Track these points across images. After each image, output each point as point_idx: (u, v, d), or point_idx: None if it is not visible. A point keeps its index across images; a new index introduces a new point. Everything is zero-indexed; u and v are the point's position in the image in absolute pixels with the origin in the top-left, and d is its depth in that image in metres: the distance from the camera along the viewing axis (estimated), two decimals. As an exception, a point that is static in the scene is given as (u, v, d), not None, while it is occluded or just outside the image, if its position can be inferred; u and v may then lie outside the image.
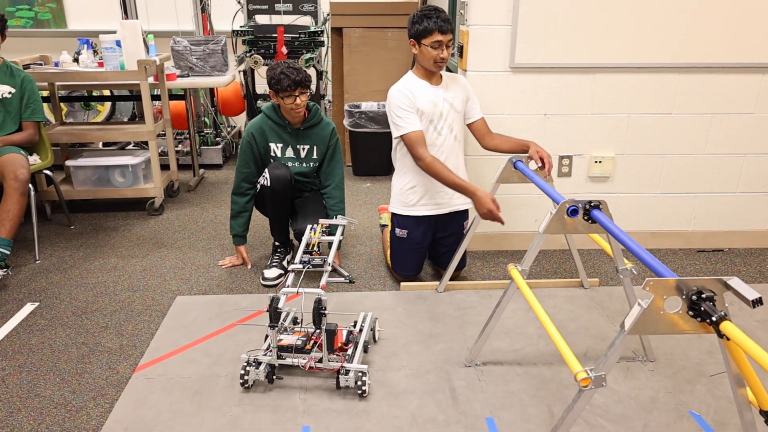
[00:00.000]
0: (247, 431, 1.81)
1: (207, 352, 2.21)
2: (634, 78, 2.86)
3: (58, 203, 3.57)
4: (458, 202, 2.66)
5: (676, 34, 2.79)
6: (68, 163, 3.58)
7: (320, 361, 1.97)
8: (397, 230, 2.70)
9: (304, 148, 2.80)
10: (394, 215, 2.70)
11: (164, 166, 4.01)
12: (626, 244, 1.52)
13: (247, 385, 1.98)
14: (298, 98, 2.61)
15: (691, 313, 1.28)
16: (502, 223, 2.31)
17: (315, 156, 2.83)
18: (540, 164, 2.37)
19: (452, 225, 2.70)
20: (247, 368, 1.98)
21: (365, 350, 2.13)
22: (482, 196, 2.32)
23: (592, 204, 1.73)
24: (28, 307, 2.55)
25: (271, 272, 2.76)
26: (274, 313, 1.94)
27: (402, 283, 2.70)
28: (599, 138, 2.96)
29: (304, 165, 2.83)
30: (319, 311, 1.93)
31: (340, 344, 2.07)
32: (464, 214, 2.72)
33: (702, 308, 1.26)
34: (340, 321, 2.37)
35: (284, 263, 2.85)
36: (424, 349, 2.23)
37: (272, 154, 2.78)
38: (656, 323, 1.30)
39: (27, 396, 1.98)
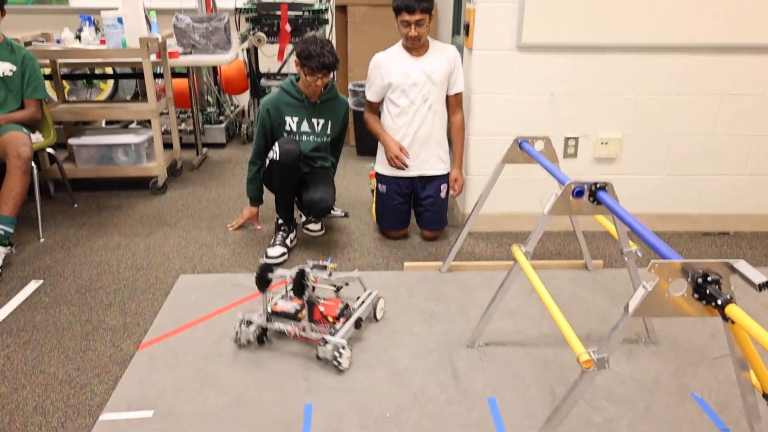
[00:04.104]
0: (250, 410, 1.82)
1: (210, 330, 2.22)
2: (643, 58, 2.82)
3: (61, 182, 3.57)
4: (428, 167, 2.88)
5: (686, 14, 2.74)
6: (71, 141, 3.57)
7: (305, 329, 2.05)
8: (380, 185, 2.95)
9: (319, 122, 2.85)
10: (377, 174, 2.95)
11: (167, 145, 4.00)
12: (632, 226, 1.50)
13: (239, 344, 2.11)
14: (320, 80, 2.68)
15: (696, 296, 1.27)
16: (405, 167, 2.79)
17: (329, 131, 2.89)
18: (452, 189, 2.88)
19: (429, 188, 2.91)
20: (240, 327, 2.07)
21: (357, 326, 2.13)
22: (390, 143, 2.79)
23: (598, 185, 1.72)
24: (33, 285, 2.56)
25: (275, 250, 2.77)
26: (262, 281, 2.04)
27: (405, 263, 2.71)
28: (606, 119, 2.93)
29: (319, 139, 2.88)
30: (301, 282, 1.98)
31: (329, 317, 2.11)
32: (441, 179, 2.91)
33: (707, 291, 1.25)
34: (347, 295, 2.38)
35: (287, 242, 2.86)
36: (426, 329, 2.24)
37: (287, 128, 2.82)
38: (661, 306, 1.29)
39: (32, 373, 2.00)
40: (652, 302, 1.28)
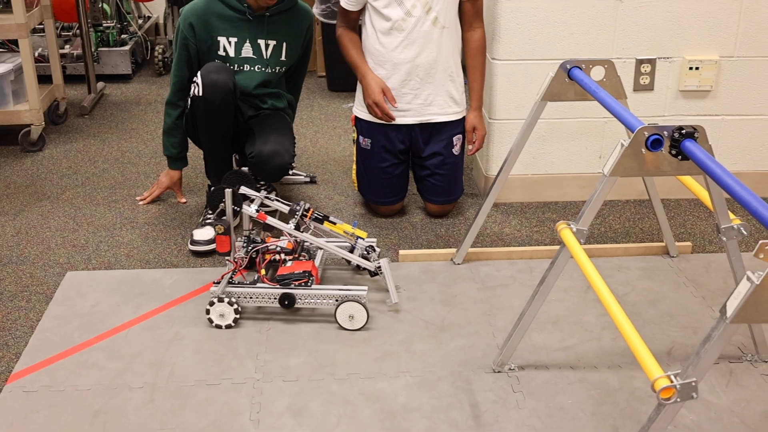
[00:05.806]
0: (175, 467, 1.84)
1: (114, 353, 2.22)
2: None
3: None
4: (434, 111, 2.86)
5: None
6: None
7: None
8: (361, 139, 2.96)
9: (269, 45, 2.83)
10: (357, 120, 2.96)
11: (44, 78, 3.96)
12: (732, 191, 1.51)
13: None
14: None
15: (825, 292, 1.29)
16: (391, 119, 2.80)
17: (283, 57, 2.89)
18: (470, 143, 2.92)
19: (437, 141, 2.92)
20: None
21: (283, 304, 2.31)
22: (371, 83, 2.79)
23: (684, 132, 1.72)
24: None
25: (204, 233, 2.77)
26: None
27: (401, 252, 2.72)
28: (696, 32, 2.92)
29: (269, 69, 2.88)
30: (218, 197, 2.38)
31: (262, 270, 2.37)
32: (453, 127, 2.92)
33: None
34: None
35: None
36: (433, 347, 2.25)
37: (221, 52, 2.81)
38: (774, 307, 1.30)
39: None
40: (762, 302, 1.29)
